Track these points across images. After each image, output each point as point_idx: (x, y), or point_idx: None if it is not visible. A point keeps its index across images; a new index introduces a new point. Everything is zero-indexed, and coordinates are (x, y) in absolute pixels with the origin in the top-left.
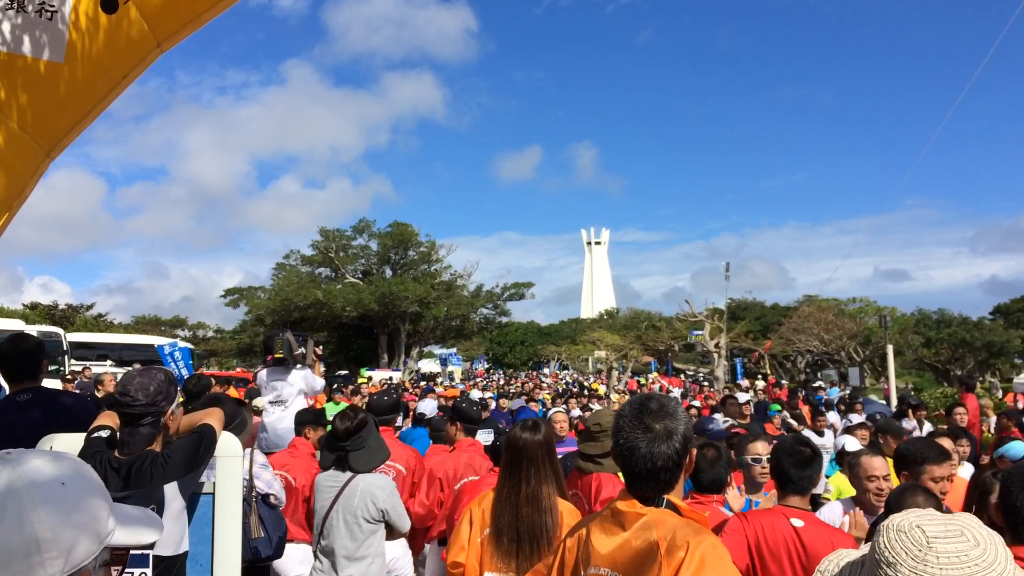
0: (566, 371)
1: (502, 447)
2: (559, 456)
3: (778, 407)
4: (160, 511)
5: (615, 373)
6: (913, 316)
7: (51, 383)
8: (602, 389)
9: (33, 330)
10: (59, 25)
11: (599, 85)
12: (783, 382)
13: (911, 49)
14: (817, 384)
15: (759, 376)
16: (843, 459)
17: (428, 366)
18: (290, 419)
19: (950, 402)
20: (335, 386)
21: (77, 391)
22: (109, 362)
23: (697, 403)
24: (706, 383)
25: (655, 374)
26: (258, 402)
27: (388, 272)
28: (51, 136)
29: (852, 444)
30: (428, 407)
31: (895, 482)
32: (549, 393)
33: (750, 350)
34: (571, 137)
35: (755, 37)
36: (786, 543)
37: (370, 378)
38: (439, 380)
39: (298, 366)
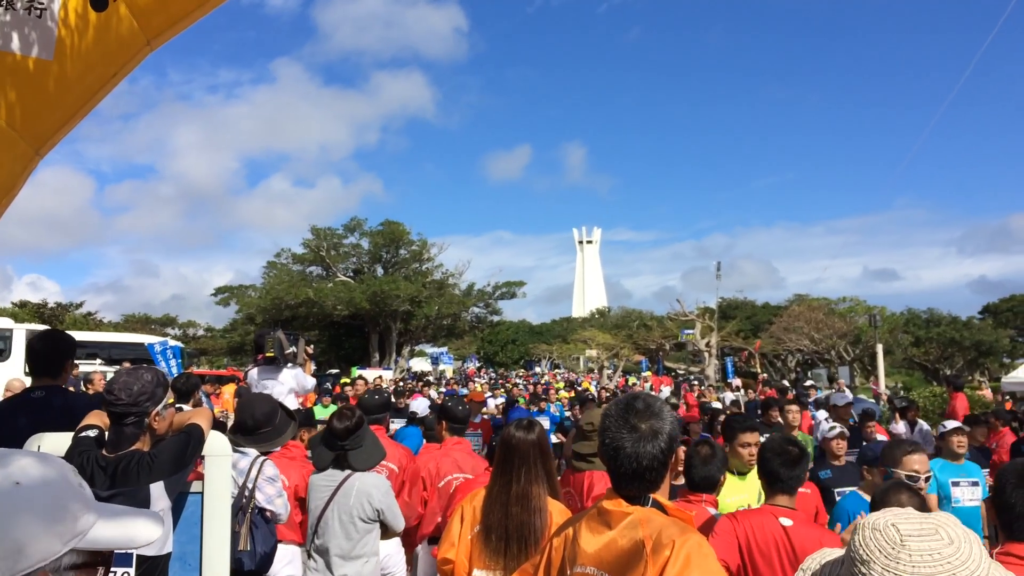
0: (557, 370)
1: (496, 445)
2: None
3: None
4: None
5: (606, 372)
6: (903, 315)
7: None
8: (592, 388)
9: (22, 329)
10: (48, 22)
11: (589, 85)
12: (785, 382)
13: (901, 50)
14: (808, 383)
15: (749, 375)
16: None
17: (419, 365)
18: None
19: (939, 401)
20: (325, 385)
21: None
22: (99, 360)
23: (682, 402)
24: (696, 382)
25: (648, 373)
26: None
27: (379, 271)
28: (40, 134)
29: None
30: (421, 406)
31: None
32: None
33: (741, 349)
34: (561, 137)
35: (745, 38)
36: (776, 542)
37: (359, 378)
38: (431, 378)
39: (289, 365)
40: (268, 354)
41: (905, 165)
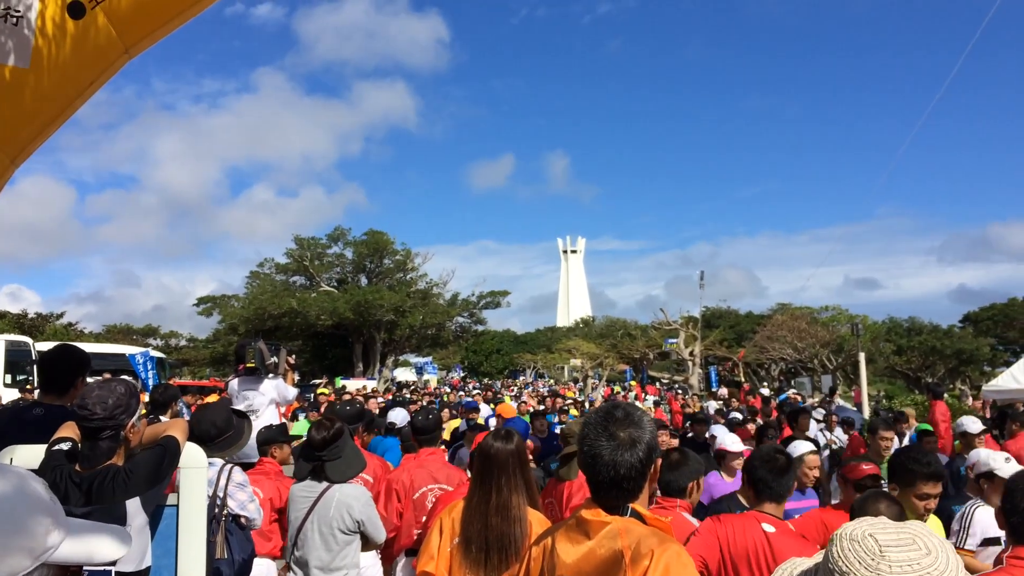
0: (542, 379)
1: (474, 456)
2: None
3: None
4: (122, 526)
5: (591, 381)
6: (884, 324)
7: (10, 393)
8: (571, 394)
9: (1, 340)
10: (25, 31)
11: (572, 95)
12: (764, 390)
13: (882, 62)
14: (792, 392)
15: (733, 384)
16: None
17: (404, 375)
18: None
19: (920, 409)
20: (308, 396)
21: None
22: None
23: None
24: (680, 391)
25: (633, 383)
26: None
27: (363, 280)
28: (16, 143)
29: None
30: (399, 416)
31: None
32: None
33: (725, 358)
34: (544, 146)
35: (728, 49)
36: (755, 548)
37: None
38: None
39: (270, 375)
40: (249, 364)
41: (887, 175)
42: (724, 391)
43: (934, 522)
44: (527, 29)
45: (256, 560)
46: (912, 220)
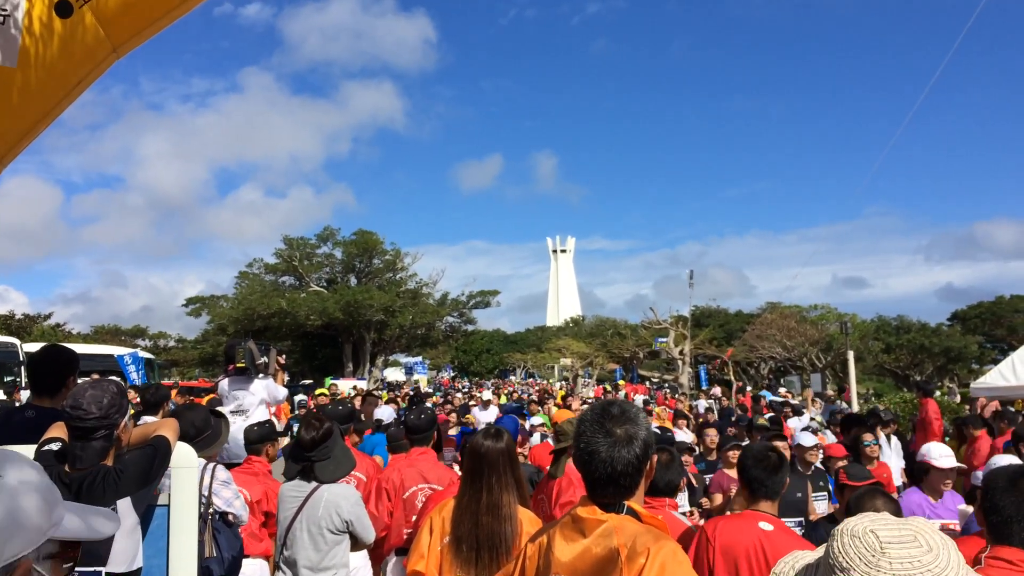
0: (531, 378)
1: (465, 455)
2: None
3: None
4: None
5: (580, 380)
6: (873, 323)
7: None
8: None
9: None
10: (11, 30)
11: (560, 95)
12: (749, 389)
13: (867, 61)
14: (781, 390)
15: (722, 382)
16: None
17: (394, 375)
18: None
19: (909, 407)
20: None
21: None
22: None
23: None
24: (670, 390)
25: (622, 382)
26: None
27: (353, 280)
28: (3, 142)
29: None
30: (386, 414)
31: None
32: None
33: (714, 357)
34: (531, 146)
35: (715, 48)
36: (753, 546)
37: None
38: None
39: (260, 375)
40: (239, 365)
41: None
42: (717, 390)
43: None
44: (515, 30)
45: (249, 560)
46: (899, 219)
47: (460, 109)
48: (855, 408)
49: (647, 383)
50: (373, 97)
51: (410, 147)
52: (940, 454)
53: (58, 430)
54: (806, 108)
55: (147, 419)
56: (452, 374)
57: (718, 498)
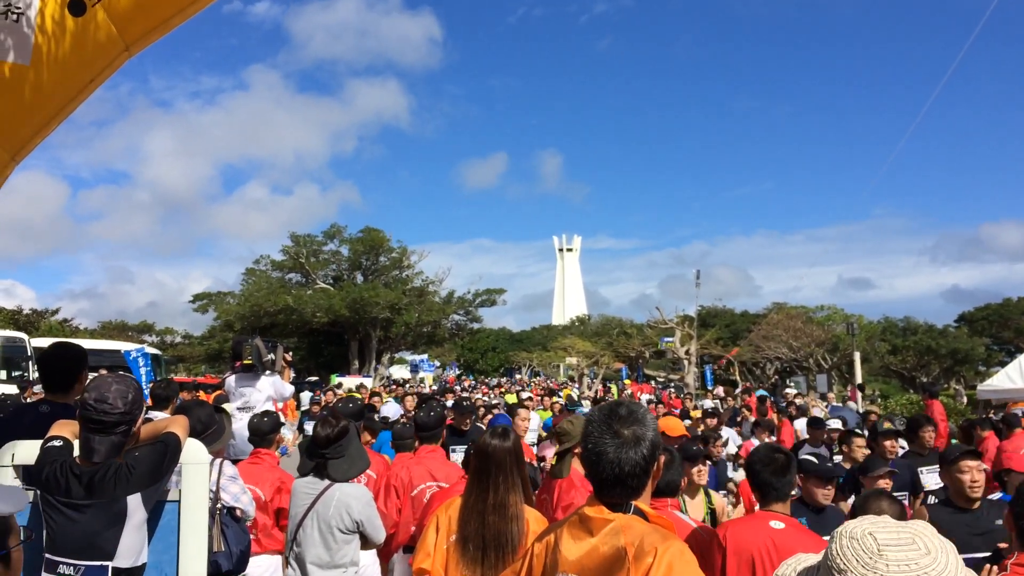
0: (537, 377)
1: (471, 454)
2: None
3: None
4: (122, 522)
5: (586, 380)
6: (880, 324)
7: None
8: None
9: None
10: (25, 28)
11: (565, 94)
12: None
13: (878, 61)
14: (788, 391)
15: (728, 382)
16: None
17: (399, 372)
18: None
19: (915, 408)
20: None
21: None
22: None
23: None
24: (675, 389)
25: (627, 381)
26: (226, 408)
27: (359, 278)
28: (16, 140)
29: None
30: (392, 410)
31: None
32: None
33: (720, 356)
34: (537, 144)
35: (723, 46)
36: (765, 546)
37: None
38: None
39: (267, 372)
40: (246, 361)
41: (882, 175)
42: (720, 390)
43: None
44: (522, 28)
45: (263, 556)
46: (906, 220)
47: (465, 107)
48: (859, 408)
49: (653, 382)
50: (378, 95)
51: (415, 145)
52: None
53: (63, 428)
54: (814, 108)
55: (155, 415)
56: (457, 372)
57: None
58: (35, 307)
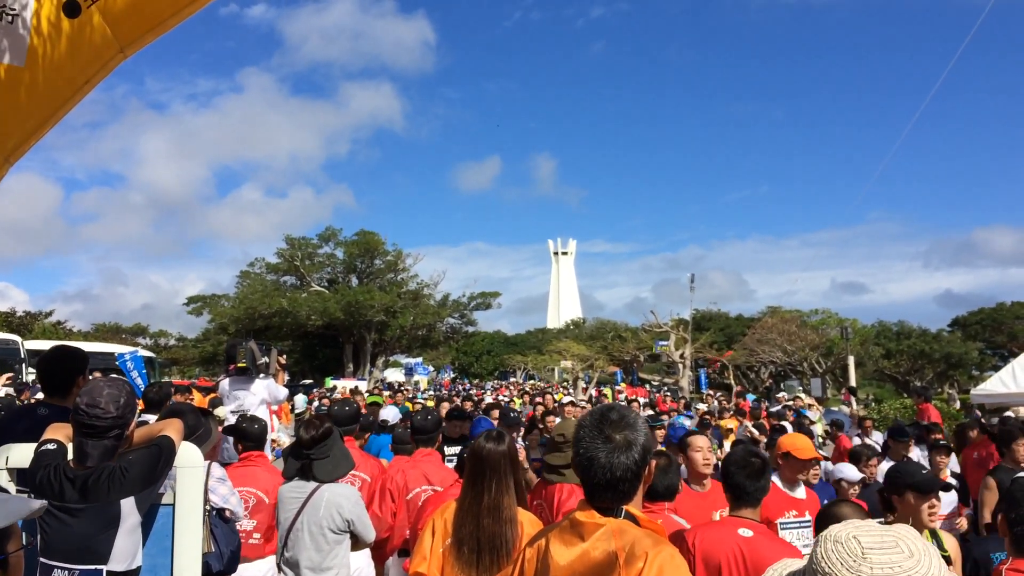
0: (532, 381)
1: (466, 457)
2: None
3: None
4: (116, 526)
5: (580, 383)
6: (874, 328)
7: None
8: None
9: None
10: (20, 30)
11: (560, 98)
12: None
13: (871, 67)
14: (781, 395)
15: (722, 386)
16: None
17: (394, 375)
18: None
19: (909, 412)
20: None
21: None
22: None
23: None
24: (670, 393)
25: (622, 384)
26: (220, 411)
27: (354, 281)
28: (10, 141)
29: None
30: (391, 414)
31: None
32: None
33: (714, 361)
34: (531, 148)
35: (718, 52)
36: (733, 553)
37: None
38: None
39: (261, 375)
40: (240, 364)
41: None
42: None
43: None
44: (516, 32)
45: (258, 562)
46: (899, 225)
47: (459, 111)
48: (855, 412)
49: (647, 386)
50: (373, 98)
51: (410, 148)
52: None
53: (56, 432)
54: (808, 113)
55: (148, 418)
56: (452, 375)
57: None
58: (28, 309)
